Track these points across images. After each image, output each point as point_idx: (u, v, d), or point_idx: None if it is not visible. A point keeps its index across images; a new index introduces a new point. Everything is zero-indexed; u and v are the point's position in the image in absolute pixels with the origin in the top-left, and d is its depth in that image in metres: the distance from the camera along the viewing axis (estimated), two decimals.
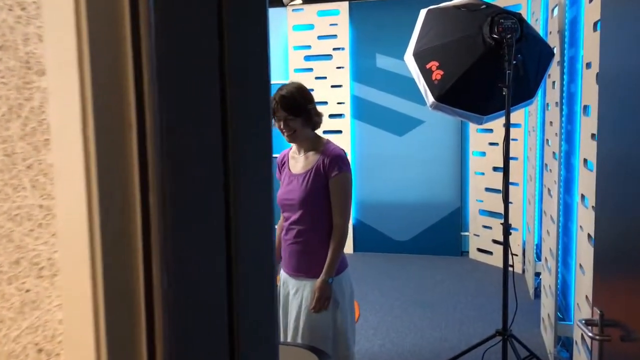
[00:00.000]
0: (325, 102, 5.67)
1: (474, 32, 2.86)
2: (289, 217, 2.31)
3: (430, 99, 2.99)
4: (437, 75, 2.95)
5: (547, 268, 3.48)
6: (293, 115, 2.22)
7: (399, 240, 5.70)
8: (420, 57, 3.00)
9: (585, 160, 2.41)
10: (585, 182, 2.39)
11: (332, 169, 2.21)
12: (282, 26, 5.80)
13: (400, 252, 5.67)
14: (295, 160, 2.37)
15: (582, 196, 2.46)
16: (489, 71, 2.88)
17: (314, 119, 2.27)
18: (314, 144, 2.30)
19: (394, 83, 5.50)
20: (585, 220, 2.38)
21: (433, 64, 2.97)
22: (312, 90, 5.69)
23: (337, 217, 2.22)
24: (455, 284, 4.78)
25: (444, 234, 5.56)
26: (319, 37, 5.63)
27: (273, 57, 5.90)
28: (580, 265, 2.47)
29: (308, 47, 5.68)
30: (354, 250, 5.80)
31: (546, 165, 3.63)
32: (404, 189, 5.61)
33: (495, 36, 2.77)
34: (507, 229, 2.79)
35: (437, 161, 5.51)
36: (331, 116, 5.67)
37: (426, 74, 3.00)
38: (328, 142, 2.33)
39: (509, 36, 2.72)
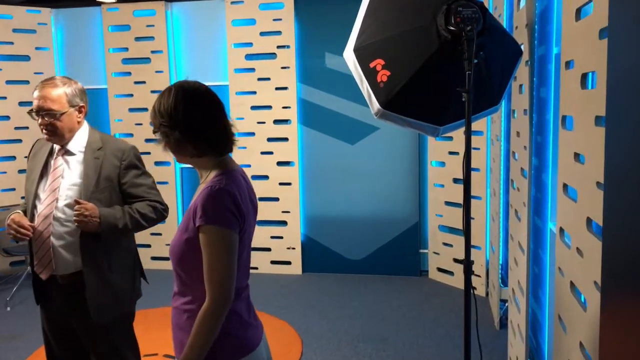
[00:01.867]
0: (269, 107, 5.07)
1: (427, 23, 2.31)
2: None
3: (375, 105, 2.43)
4: (382, 76, 2.40)
5: (516, 303, 2.98)
6: (162, 127, 1.61)
7: (351, 259, 5.15)
8: (363, 54, 2.45)
9: (565, 186, 1.89)
10: (566, 213, 1.87)
11: (197, 215, 1.54)
12: (219, 21, 5.17)
13: (353, 272, 5.12)
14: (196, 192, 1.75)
15: (561, 230, 1.94)
16: (445, 71, 2.34)
17: (187, 139, 1.58)
18: (208, 172, 1.66)
19: (345, 85, 4.95)
20: (567, 262, 1.86)
21: (377, 63, 2.41)
22: (254, 93, 5.12)
23: (206, 286, 1.54)
24: (413, 311, 4.25)
25: (401, 252, 5.04)
26: (262, 34, 5.03)
27: (209, 55, 5.27)
28: (560, 318, 1.95)
29: (249, 45, 5.07)
30: (303, 270, 5.23)
31: (512, 181, 3.13)
32: (357, 203, 5.07)
33: (452, 28, 2.23)
34: (468, 268, 2.25)
35: (393, 172, 4.98)
36: (276, 122, 5.08)
37: (370, 74, 2.44)
38: (223, 172, 1.62)
39: (468, 28, 2.19)
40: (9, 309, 4.43)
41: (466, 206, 2.23)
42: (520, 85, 2.87)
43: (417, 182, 4.96)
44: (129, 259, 2.40)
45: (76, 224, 2.09)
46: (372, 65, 2.45)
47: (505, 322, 3.82)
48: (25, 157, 2.45)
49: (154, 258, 5.32)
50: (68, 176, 2.24)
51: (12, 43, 5.17)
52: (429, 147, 4.85)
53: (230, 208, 1.53)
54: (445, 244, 4.78)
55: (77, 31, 5.47)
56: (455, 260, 4.68)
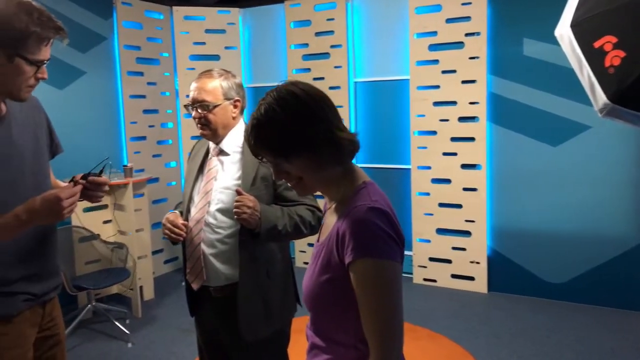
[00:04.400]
0: (454, 102, 4.51)
1: None
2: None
3: (600, 98, 1.80)
4: (613, 59, 1.75)
5: None
6: (279, 157, 1.22)
7: (550, 281, 4.35)
8: (584, 30, 1.82)
9: None
10: None
11: (346, 248, 1.15)
12: (401, 9, 4.75)
13: (551, 298, 4.33)
14: (325, 218, 1.37)
15: None
16: None
17: (333, 145, 1.20)
18: (340, 189, 1.27)
19: (548, 76, 4.18)
20: None
21: (606, 41, 1.77)
22: (437, 87, 4.56)
23: (368, 340, 1.15)
24: (634, 357, 3.37)
25: (617, 280, 4.09)
26: (448, 21, 4.48)
27: (389, 47, 4.89)
28: None
29: (433, 34, 4.56)
30: (489, 289, 4.58)
31: None
32: (559, 216, 4.25)
33: None
34: None
35: (607, 181, 4.06)
36: (461, 119, 4.51)
37: (594, 57, 1.81)
38: (363, 186, 1.25)
39: None
40: None
41: None
42: None
43: (639, 194, 3.98)
44: (284, 269, 2.13)
45: (236, 216, 1.85)
46: (597, 44, 1.81)
47: None
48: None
49: None
50: (221, 178, 2.04)
51: (204, 43, 5.39)
52: None
53: (387, 231, 1.15)
54: None
55: (262, 29, 5.53)
56: None
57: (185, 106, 2.08)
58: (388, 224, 1.15)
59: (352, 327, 1.18)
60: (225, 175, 2.04)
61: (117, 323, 3.92)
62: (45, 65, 1.59)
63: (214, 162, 2.08)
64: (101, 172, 1.73)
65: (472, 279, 4.63)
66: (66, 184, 1.71)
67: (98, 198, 1.75)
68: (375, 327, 1.12)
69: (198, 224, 2.02)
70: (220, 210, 2.00)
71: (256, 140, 1.20)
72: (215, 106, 2.00)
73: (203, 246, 2.01)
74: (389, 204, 1.22)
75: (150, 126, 5.15)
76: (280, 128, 1.17)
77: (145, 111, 5.11)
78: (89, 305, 4.04)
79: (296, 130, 1.17)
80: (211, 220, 2.00)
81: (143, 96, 5.08)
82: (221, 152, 2.08)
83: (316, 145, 1.18)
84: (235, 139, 2.07)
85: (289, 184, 2.03)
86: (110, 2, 4.80)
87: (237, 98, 2.05)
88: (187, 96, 2.08)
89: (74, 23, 4.44)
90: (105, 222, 4.45)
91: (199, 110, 2.01)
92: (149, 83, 5.12)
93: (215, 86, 2.01)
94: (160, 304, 4.54)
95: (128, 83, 4.93)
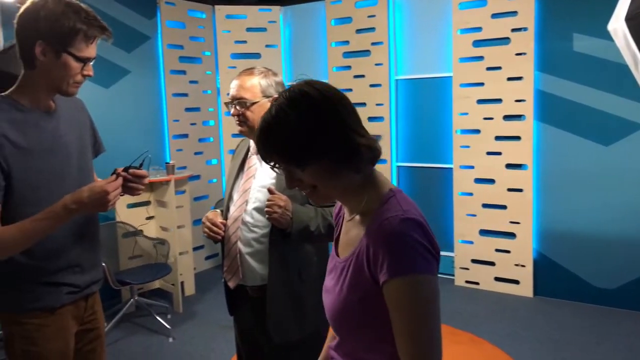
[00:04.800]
0: (499, 100, 4.38)
1: None
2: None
3: None
4: None
5: None
6: (290, 163, 1.10)
7: (600, 287, 4.17)
8: (639, 24, 1.72)
9: None
10: None
11: (380, 265, 1.04)
12: (444, 5, 4.63)
13: (600, 304, 4.15)
14: (345, 230, 1.25)
15: None
16: None
17: (349, 151, 1.09)
18: (361, 198, 1.15)
19: (599, 72, 4.00)
20: None
21: None
22: (481, 84, 4.44)
23: None
24: None
25: None
26: (493, 16, 4.35)
27: (432, 44, 4.79)
28: None
29: (477, 30, 4.43)
30: (534, 293, 4.43)
31: None
32: (611, 218, 4.07)
33: None
34: None
35: None
36: (506, 118, 4.37)
37: None
38: (391, 195, 1.13)
39: None
40: None
41: None
42: None
43: None
44: (321, 272, 2.08)
45: (267, 215, 1.84)
46: None
47: None
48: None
49: None
50: (260, 177, 2.02)
51: (245, 42, 5.42)
52: None
53: (424, 244, 1.05)
54: None
55: (303, 27, 5.51)
56: None
57: (226, 103, 2.08)
58: (423, 236, 1.05)
59: (386, 348, 1.09)
60: (263, 174, 2.03)
61: (158, 318, 3.99)
62: (91, 63, 1.64)
63: (253, 160, 2.07)
64: (141, 165, 1.76)
65: (516, 282, 4.48)
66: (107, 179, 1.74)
67: (138, 191, 1.77)
68: (411, 347, 1.03)
69: (236, 222, 2.01)
70: (257, 209, 1.98)
71: (265, 144, 1.09)
72: (253, 103, 1.98)
73: (240, 244, 2.00)
74: (421, 213, 1.12)
75: (192, 124, 5.22)
76: (291, 132, 1.06)
77: (188, 109, 5.18)
78: (132, 300, 4.12)
79: (308, 134, 1.06)
80: (248, 218, 1.99)
81: (185, 94, 5.15)
82: None
83: (330, 151, 1.07)
84: None
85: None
86: (154, 2, 4.88)
87: (276, 96, 2.03)
88: (228, 94, 2.07)
89: (119, 23, 4.53)
90: (148, 218, 4.53)
91: (237, 108, 2.00)
92: (191, 81, 5.19)
93: (254, 84, 2.00)
94: (201, 300, 4.59)
95: (171, 81, 5.00)
